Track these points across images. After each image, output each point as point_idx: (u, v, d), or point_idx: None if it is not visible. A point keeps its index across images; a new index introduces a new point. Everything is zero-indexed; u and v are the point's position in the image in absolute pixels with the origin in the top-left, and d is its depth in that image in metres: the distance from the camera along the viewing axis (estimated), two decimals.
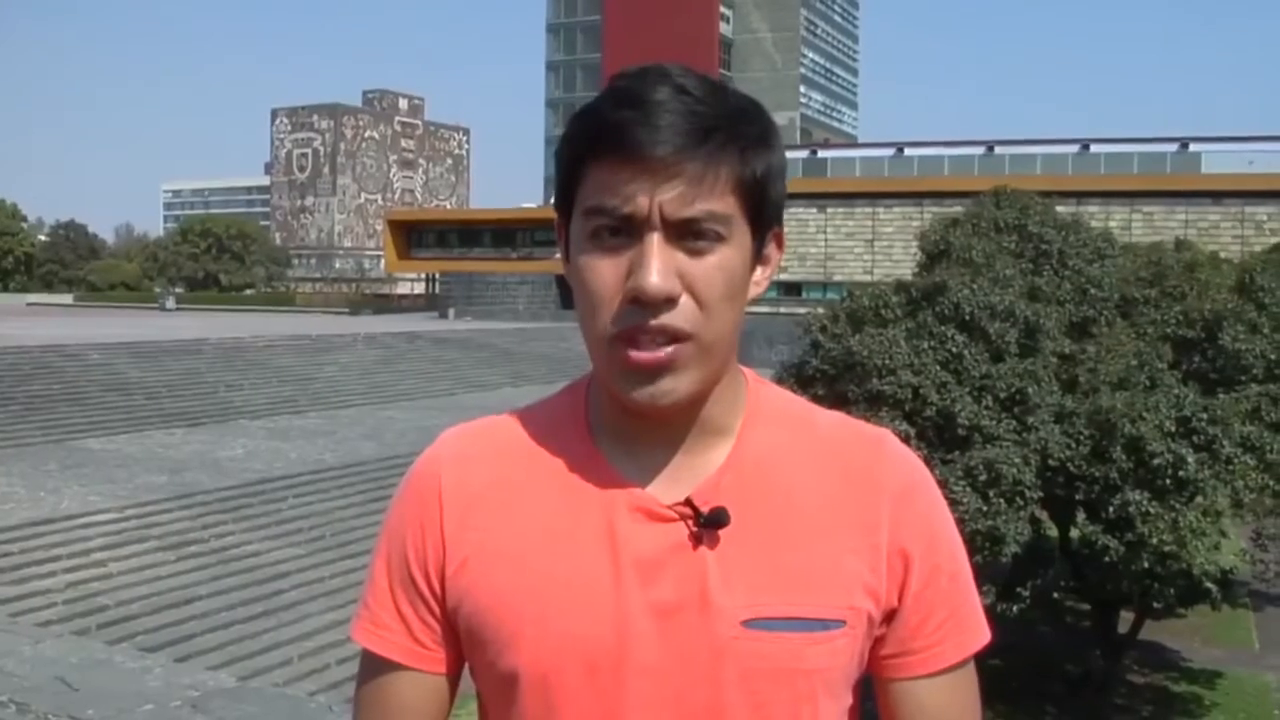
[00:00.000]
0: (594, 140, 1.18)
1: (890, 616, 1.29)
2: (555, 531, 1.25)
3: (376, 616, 1.33)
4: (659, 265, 1.15)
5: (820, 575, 1.24)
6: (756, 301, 1.30)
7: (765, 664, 1.21)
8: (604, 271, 1.18)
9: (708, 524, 1.23)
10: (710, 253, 1.17)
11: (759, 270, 1.25)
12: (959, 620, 1.32)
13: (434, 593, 1.30)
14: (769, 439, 1.30)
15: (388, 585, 1.32)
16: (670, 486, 1.25)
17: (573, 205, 1.23)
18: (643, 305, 1.15)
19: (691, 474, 1.26)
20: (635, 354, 1.17)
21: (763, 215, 1.22)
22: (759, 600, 1.22)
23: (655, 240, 1.15)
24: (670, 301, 1.16)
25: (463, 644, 1.30)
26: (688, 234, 1.16)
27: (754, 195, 1.20)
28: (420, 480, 1.34)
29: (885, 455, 1.33)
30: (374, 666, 1.34)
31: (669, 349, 1.17)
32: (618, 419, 1.27)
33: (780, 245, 1.28)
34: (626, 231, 1.17)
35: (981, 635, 1.34)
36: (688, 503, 1.23)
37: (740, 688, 1.21)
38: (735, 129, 1.18)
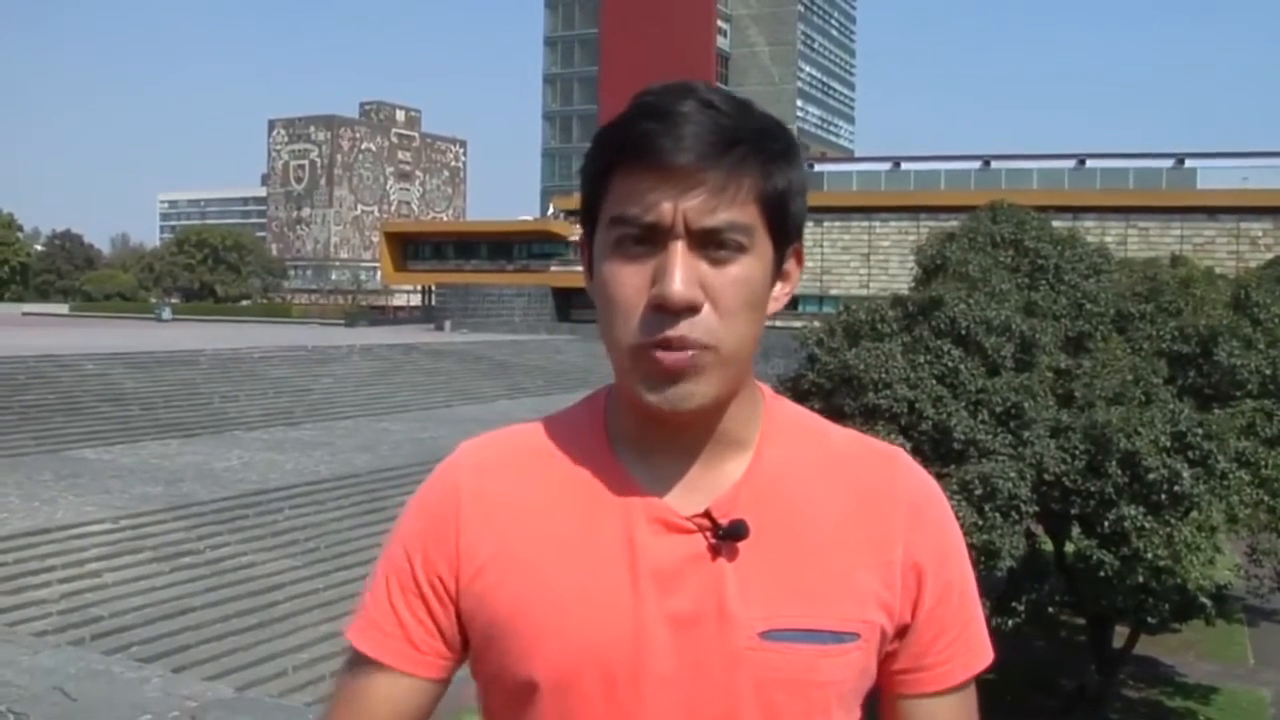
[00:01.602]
0: (618, 151, 1.20)
1: (902, 632, 1.31)
2: (573, 540, 1.26)
3: (373, 617, 1.33)
4: (682, 273, 1.16)
5: (835, 588, 1.26)
6: (775, 316, 1.32)
7: (780, 675, 1.23)
8: (628, 280, 1.20)
9: (726, 536, 1.24)
10: (732, 263, 1.19)
11: (779, 285, 1.27)
12: (968, 639, 1.34)
13: (440, 600, 1.30)
14: (785, 454, 1.31)
15: (387, 588, 1.33)
16: (688, 497, 1.27)
17: (597, 218, 1.24)
18: (665, 312, 1.17)
19: (709, 486, 1.28)
20: (661, 354, 1.18)
21: (784, 229, 1.24)
22: (775, 612, 1.23)
23: (679, 248, 1.17)
24: (693, 309, 1.17)
25: (477, 651, 1.31)
26: (710, 243, 1.18)
27: (776, 208, 1.22)
28: (439, 487, 1.35)
29: (899, 472, 1.35)
30: (361, 664, 1.34)
31: (693, 352, 1.18)
32: (637, 429, 1.29)
33: (800, 262, 1.30)
34: (650, 240, 1.18)
35: (986, 654, 1.36)
36: (706, 515, 1.25)
37: (755, 698, 1.22)
38: (759, 142, 1.20)
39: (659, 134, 1.16)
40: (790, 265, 1.28)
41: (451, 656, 1.33)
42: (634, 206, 1.18)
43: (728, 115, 1.18)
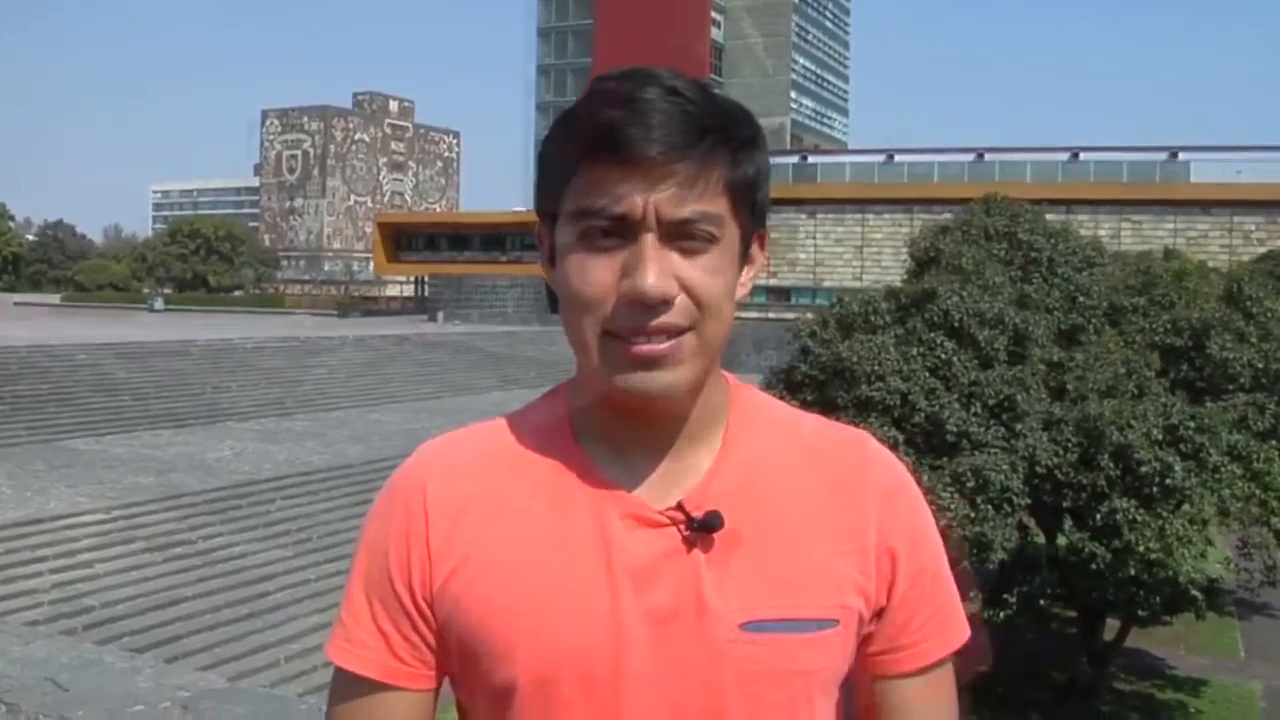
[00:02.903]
0: (583, 140, 1.17)
1: (878, 615, 1.30)
2: (547, 540, 1.24)
3: (352, 634, 1.29)
4: (655, 267, 1.14)
5: (812, 576, 1.25)
6: (743, 305, 1.30)
7: (762, 666, 1.22)
8: (597, 273, 1.17)
9: (700, 528, 1.22)
10: (704, 253, 1.17)
11: (745, 271, 1.25)
12: (942, 618, 1.34)
13: (418, 607, 1.27)
14: (754, 443, 1.30)
15: (365, 601, 1.29)
16: (659, 491, 1.25)
17: (557, 208, 1.22)
18: (639, 307, 1.15)
19: (679, 478, 1.26)
20: (636, 348, 1.17)
21: (751, 217, 1.23)
22: (753, 603, 1.22)
23: (650, 241, 1.15)
24: (666, 303, 1.15)
25: (454, 657, 1.28)
26: (681, 235, 1.16)
27: (744, 197, 1.20)
28: (403, 492, 1.30)
29: (868, 457, 1.34)
30: (349, 685, 1.30)
31: (669, 342, 1.17)
32: (606, 423, 1.27)
33: (763, 246, 1.28)
34: (619, 232, 1.16)
35: (962, 632, 1.35)
36: (679, 508, 1.23)
37: (738, 691, 1.21)
38: (727, 130, 1.18)
39: (626, 123, 1.14)
40: (754, 250, 1.27)
41: (435, 664, 1.29)
42: (602, 198, 1.16)
43: (694, 102, 1.16)
